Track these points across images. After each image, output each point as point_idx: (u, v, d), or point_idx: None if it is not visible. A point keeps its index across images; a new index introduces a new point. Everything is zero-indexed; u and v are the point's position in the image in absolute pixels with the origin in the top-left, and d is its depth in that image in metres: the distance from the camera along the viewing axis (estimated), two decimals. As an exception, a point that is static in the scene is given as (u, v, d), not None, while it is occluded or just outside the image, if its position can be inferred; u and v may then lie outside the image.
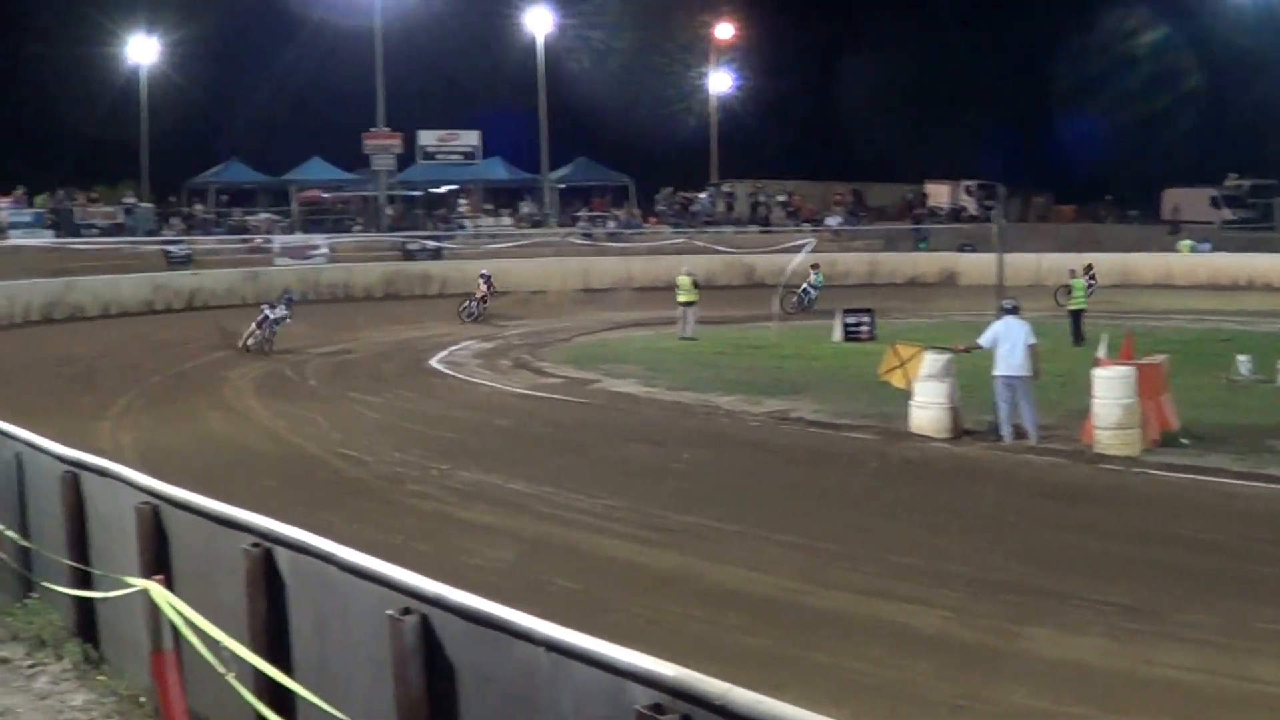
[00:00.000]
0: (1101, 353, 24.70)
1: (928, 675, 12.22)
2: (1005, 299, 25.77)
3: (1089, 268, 57.85)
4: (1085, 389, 23.55)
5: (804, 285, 56.67)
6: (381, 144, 73.92)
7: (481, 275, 57.20)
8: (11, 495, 13.99)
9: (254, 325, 43.77)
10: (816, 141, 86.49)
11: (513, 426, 28.40)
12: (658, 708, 5.82)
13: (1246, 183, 79.26)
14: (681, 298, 47.18)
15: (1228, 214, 77.70)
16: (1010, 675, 12.21)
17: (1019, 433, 24.13)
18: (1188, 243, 69.03)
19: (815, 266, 57.73)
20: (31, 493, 13.72)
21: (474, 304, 55.39)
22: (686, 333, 46.25)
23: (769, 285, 55.72)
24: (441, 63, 77.80)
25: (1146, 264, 66.24)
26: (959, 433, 24.81)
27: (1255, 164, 77.41)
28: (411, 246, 67.58)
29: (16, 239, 60.54)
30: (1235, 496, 20.16)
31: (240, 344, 43.27)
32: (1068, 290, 43.60)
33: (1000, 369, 24.24)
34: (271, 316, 43.75)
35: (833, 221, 77.15)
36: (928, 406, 25.10)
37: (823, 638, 13.25)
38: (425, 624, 7.46)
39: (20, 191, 64.18)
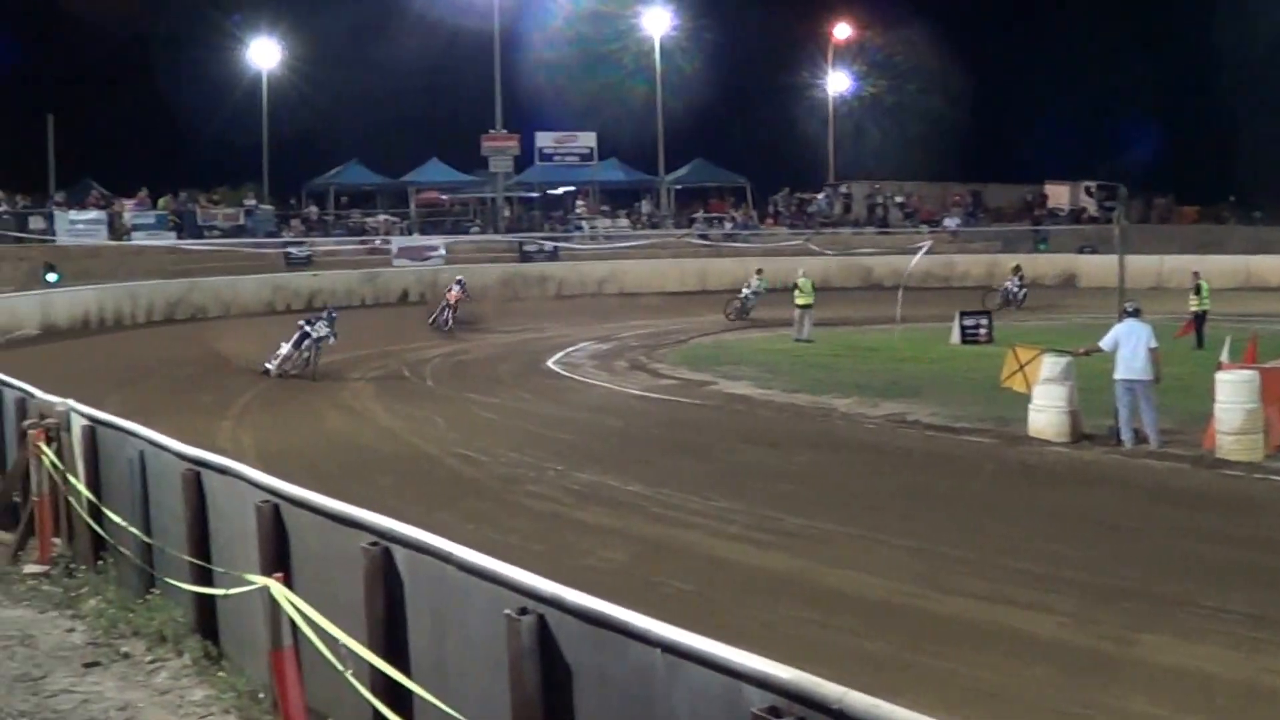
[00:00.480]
0: (1224, 356, 24.43)
1: (1044, 682, 12.13)
2: (1127, 301, 25.53)
3: (1017, 269, 57.30)
4: (1207, 393, 23.28)
5: (744, 291, 56.17)
6: (499, 146, 74.20)
7: (457, 281, 54.88)
8: (135, 493, 14.15)
9: (288, 346, 37.96)
10: (935, 141, 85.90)
11: (628, 428, 28.44)
12: (774, 710, 5.82)
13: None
14: (800, 300, 47.05)
15: (1354, 215, 76.52)
16: (1128, 683, 12.09)
17: (1139, 437, 23.90)
18: (1314, 245, 68.11)
19: (759, 271, 57.36)
20: (154, 490, 13.87)
21: (447, 312, 52.76)
22: (803, 335, 46.16)
23: (887, 287, 55.43)
24: (559, 64, 78.04)
25: (1271, 266, 65.33)
26: (1078, 437, 24.61)
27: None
28: (528, 248, 67.83)
29: (140, 240, 61.27)
30: (1360, 504, 19.93)
31: (272, 369, 37.57)
32: (1197, 290, 42.98)
33: (1121, 372, 24.01)
34: (314, 335, 37.97)
35: (951, 222, 76.80)
36: (1046, 410, 24.91)
37: (939, 643, 13.19)
38: (542, 624, 7.49)
39: (144, 193, 64.93)
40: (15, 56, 72.23)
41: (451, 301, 52.92)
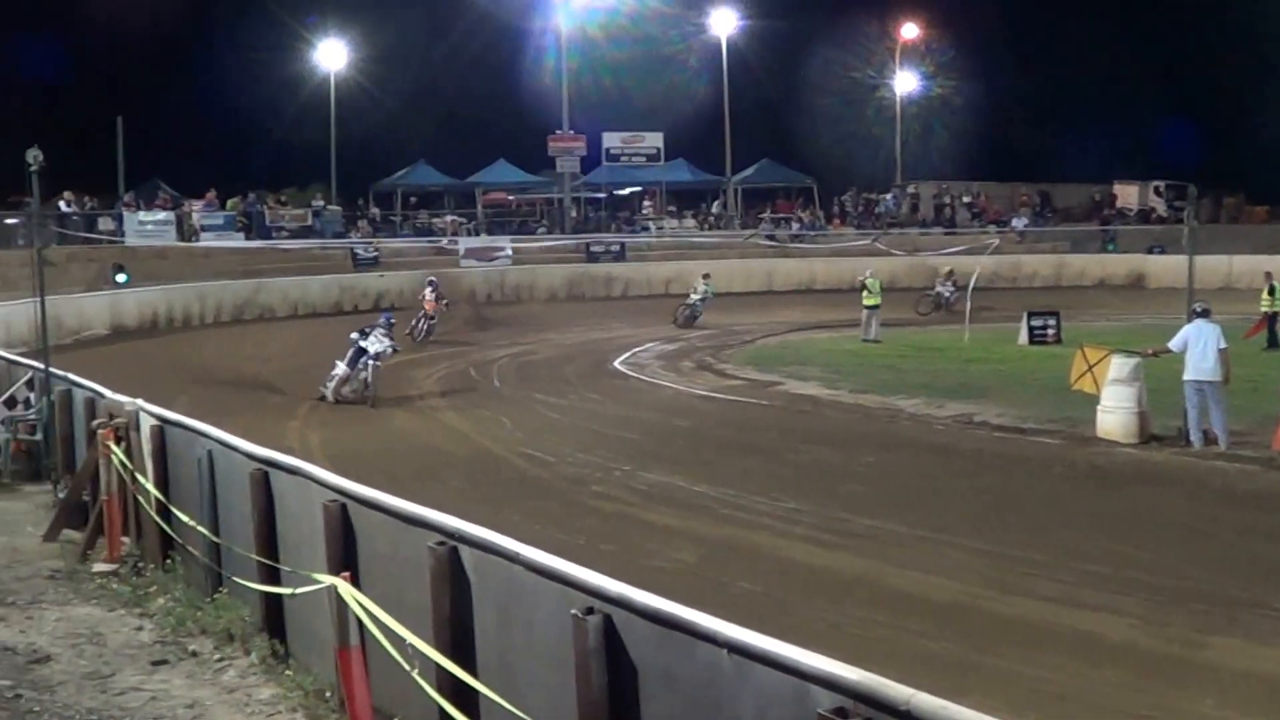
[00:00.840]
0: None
1: (1113, 684, 12.08)
2: (1196, 302, 25.38)
3: (950, 272, 56.54)
4: (1277, 394, 23.13)
5: (692, 297, 54.39)
6: (566, 146, 74.24)
7: (429, 283, 49.86)
8: (203, 492, 14.23)
9: (343, 366, 32.91)
10: (1002, 141, 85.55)
11: (695, 428, 28.42)
12: (841, 711, 5.81)
13: None
14: (867, 301, 46.94)
15: None
16: (1197, 686, 12.02)
17: (1208, 438, 23.75)
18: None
19: (705, 276, 55.46)
20: (222, 489, 13.95)
21: (422, 321, 47.95)
22: (869, 335, 46.06)
23: (955, 287, 55.14)
24: (626, 65, 78.14)
25: (1341, 267, 64.67)
26: (1147, 438, 24.46)
27: None
28: (595, 248, 67.76)
29: (208, 241, 61.53)
30: None
31: (327, 394, 32.68)
32: (1270, 290, 42.57)
33: (1190, 373, 23.86)
34: (371, 351, 32.65)
35: (1019, 223, 76.23)
36: (1115, 411, 24.78)
37: (1006, 644, 13.14)
38: (608, 624, 7.50)
39: (212, 194, 65.18)
40: (85, 59, 72.92)
41: (428, 310, 48.33)
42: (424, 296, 49.03)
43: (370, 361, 32.64)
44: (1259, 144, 77.16)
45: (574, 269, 64.80)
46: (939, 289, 55.84)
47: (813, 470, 23.21)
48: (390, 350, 33.58)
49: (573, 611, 7.65)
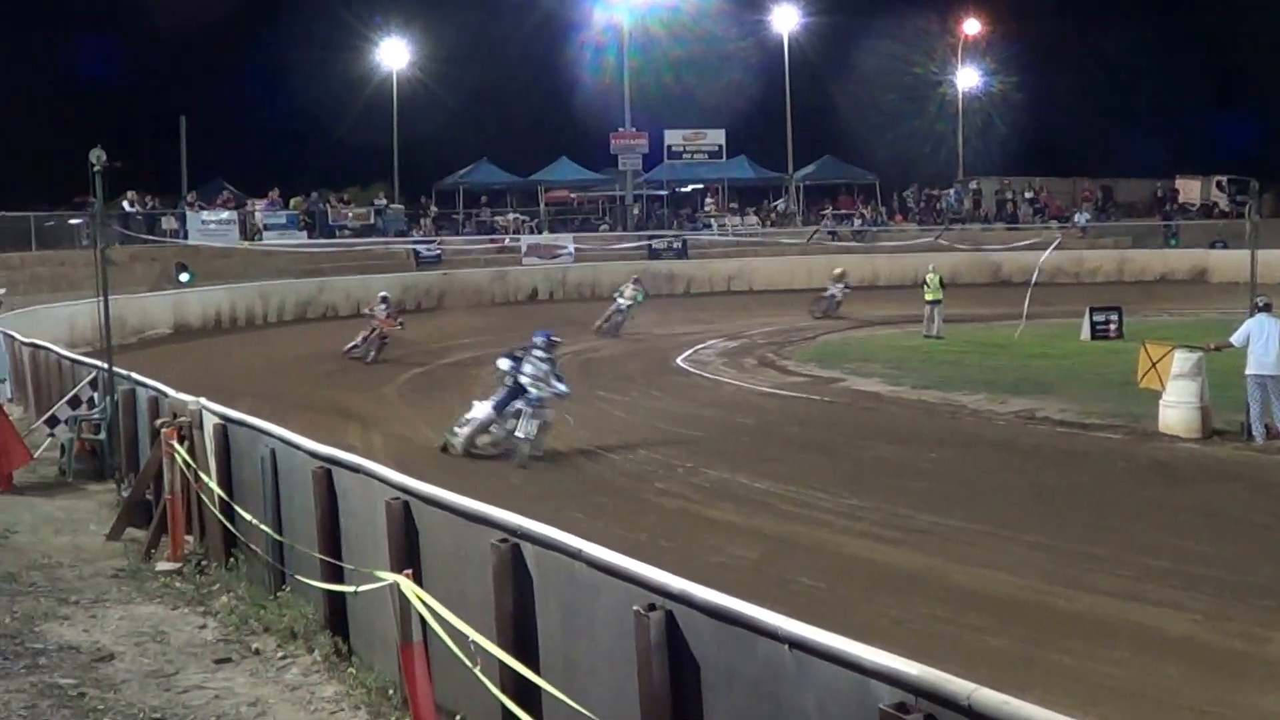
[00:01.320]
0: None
1: (1175, 679, 12.04)
2: (1258, 296, 25.26)
3: (842, 274, 55.74)
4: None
5: (620, 301, 50.12)
6: (628, 144, 74.29)
7: (381, 298, 42.57)
8: (266, 490, 14.31)
9: (489, 408, 24.47)
10: (1064, 137, 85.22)
11: (757, 425, 28.40)
12: (902, 707, 5.84)
13: None
14: (929, 296, 46.88)
15: None
16: (1259, 681, 11.99)
17: (1270, 433, 23.65)
18: None
19: (636, 281, 52.43)
20: (285, 488, 14.02)
21: (363, 343, 41.03)
22: (932, 331, 45.97)
23: (1016, 283, 54.94)
24: (687, 62, 78.21)
25: None
26: (1209, 433, 24.38)
27: None
28: (657, 245, 67.78)
29: (271, 239, 61.79)
30: None
31: (455, 445, 24.30)
32: None
33: (1252, 367, 23.77)
34: (533, 395, 24.18)
35: (1080, 218, 75.97)
36: (1177, 406, 24.69)
37: (1068, 640, 13.12)
38: (670, 620, 7.53)
39: (275, 193, 65.47)
40: (148, 59, 73.36)
41: (381, 327, 41.14)
42: (373, 311, 42.29)
43: (534, 408, 24.11)
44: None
45: (636, 266, 64.70)
46: (831, 290, 55.27)
47: (875, 466, 23.20)
48: (564, 393, 25.19)
49: (635, 608, 7.69)
